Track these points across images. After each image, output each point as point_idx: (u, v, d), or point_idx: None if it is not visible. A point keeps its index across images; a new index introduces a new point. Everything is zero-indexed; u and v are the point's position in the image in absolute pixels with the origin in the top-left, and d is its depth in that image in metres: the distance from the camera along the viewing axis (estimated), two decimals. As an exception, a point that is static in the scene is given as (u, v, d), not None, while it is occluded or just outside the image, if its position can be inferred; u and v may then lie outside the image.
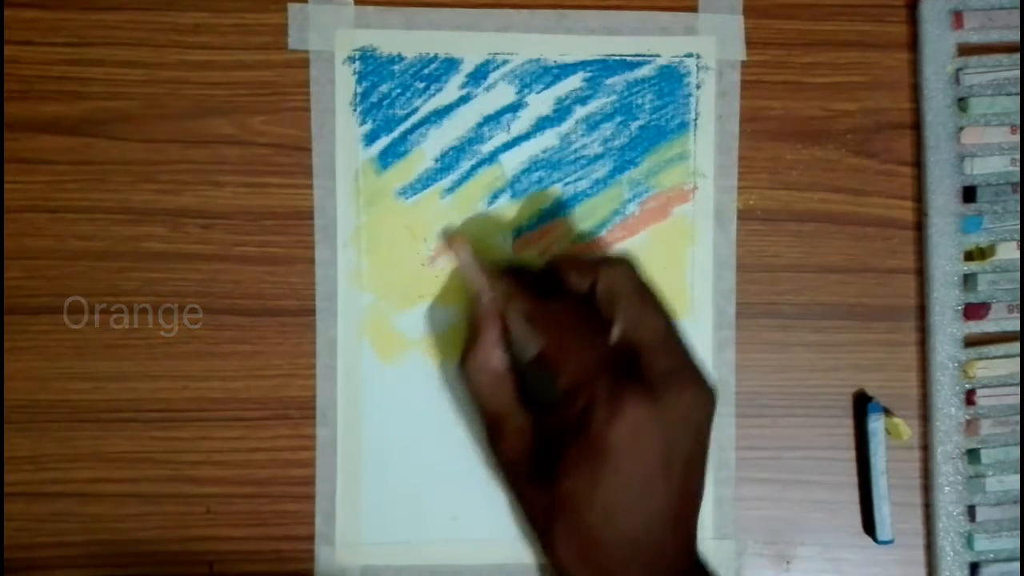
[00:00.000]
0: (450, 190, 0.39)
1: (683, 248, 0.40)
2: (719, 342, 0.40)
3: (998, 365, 0.39)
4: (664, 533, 0.30)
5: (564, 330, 0.31)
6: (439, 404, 0.39)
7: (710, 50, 0.39)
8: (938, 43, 0.39)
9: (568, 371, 0.30)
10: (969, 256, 0.40)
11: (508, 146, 0.39)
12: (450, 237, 0.38)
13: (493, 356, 0.34)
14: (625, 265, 0.32)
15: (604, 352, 0.30)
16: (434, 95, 0.39)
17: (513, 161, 0.39)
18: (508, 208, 0.39)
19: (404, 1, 0.39)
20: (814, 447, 0.40)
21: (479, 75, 0.39)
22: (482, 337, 0.34)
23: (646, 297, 0.31)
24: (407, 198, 0.39)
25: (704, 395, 0.30)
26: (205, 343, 0.39)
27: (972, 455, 0.39)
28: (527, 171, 0.39)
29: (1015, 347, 0.39)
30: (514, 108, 0.39)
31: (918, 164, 0.40)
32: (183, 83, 0.39)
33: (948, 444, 0.39)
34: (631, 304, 0.31)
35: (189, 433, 0.39)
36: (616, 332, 0.30)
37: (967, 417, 0.39)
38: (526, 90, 0.39)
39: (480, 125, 0.39)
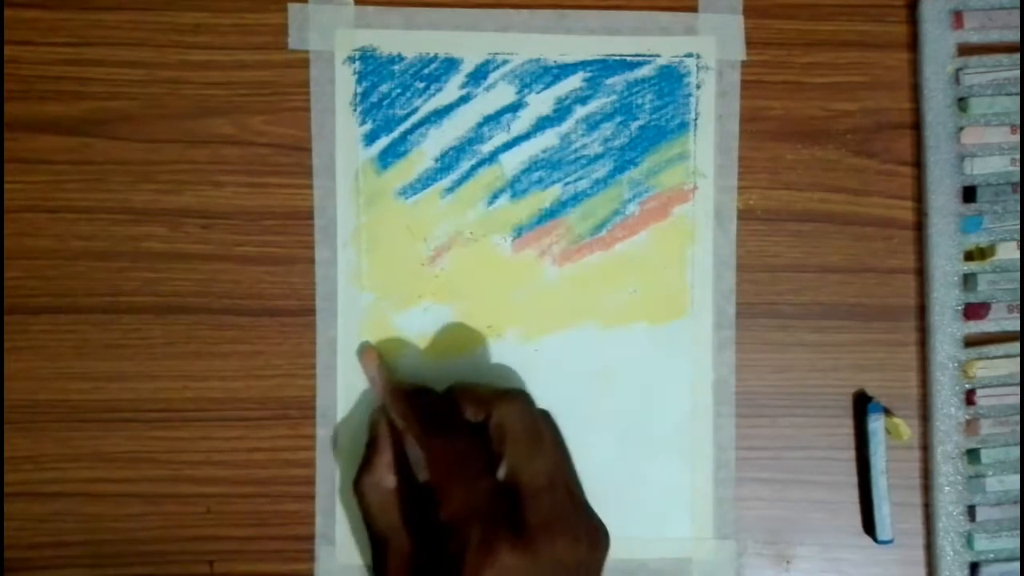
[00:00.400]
0: (450, 190, 0.39)
1: (683, 248, 0.40)
2: (719, 342, 0.40)
3: (998, 365, 0.39)
4: None
5: (450, 463, 0.31)
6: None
7: (710, 50, 0.39)
8: (938, 43, 0.39)
9: (448, 507, 0.30)
10: (969, 256, 0.40)
11: (508, 146, 0.39)
12: (363, 350, 0.38)
13: (385, 476, 0.34)
14: (519, 402, 0.32)
15: (485, 492, 0.30)
16: (434, 95, 0.39)
17: (513, 161, 0.39)
18: (508, 208, 0.39)
19: (404, 1, 0.39)
20: (814, 447, 0.40)
21: (479, 75, 0.39)
22: (377, 457, 0.34)
23: (535, 437, 0.32)
24: (407, 198, 0.39)
25: (581, 541, 0.30)
26: (205, 343, 0.39)
27: (972, 455, 0.39)
28: (527, 171, 0.39)
29: (1015, 347, 0.39)
30: (514, 108, 0.39)
31: (918, 164, 0.40)
32: (183, 83, 0.39)
33: (948, 444, 0.39)
34: (518, 443, 0.31)
35: (189, 433, 0.39)
36: (502, 471, 0.31)
37: (967, 417, 0.39)
38: (526, 90, 0.39)
39: (480, 125, 0.39)
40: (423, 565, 0.32)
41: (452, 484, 0.31)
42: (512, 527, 0.29)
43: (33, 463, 0.39)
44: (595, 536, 0.31)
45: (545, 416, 0.34)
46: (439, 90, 0.39)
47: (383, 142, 0.39)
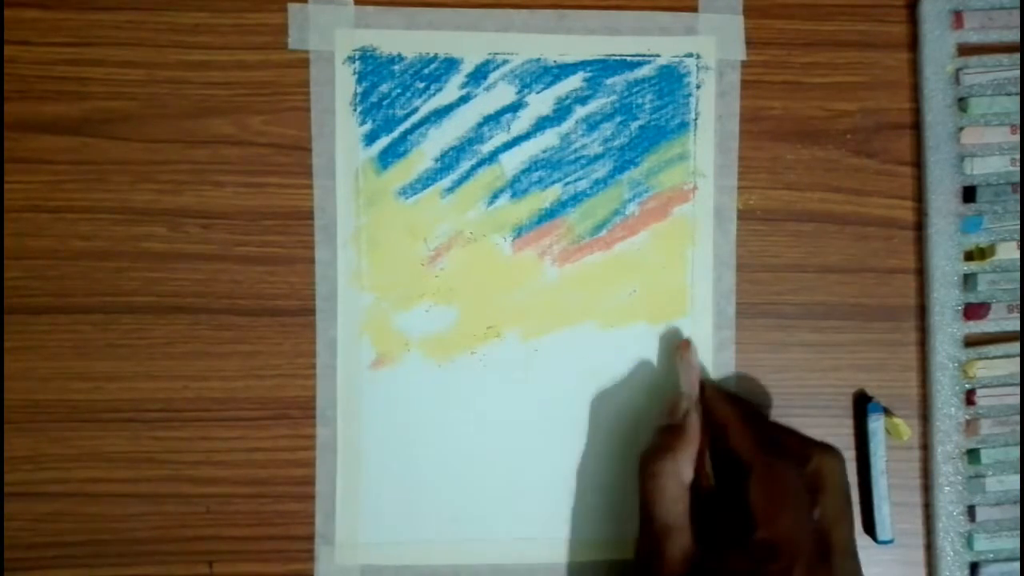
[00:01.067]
0: (450, 190, 0.39)
1: (683, 248, 0.40)
2: (719, 342, 0.40)
3: (998, 365, 0.39)
4: None
5: (780, 487, 0.31)
6: (439, 404, 0.39)
7: (710, 50, 0.39)
8: (938, 43, 0.39)
9: (774, 528, 0.30)
10: (969, 256, 0.40)
11: (508, 146, 0.39)
12: (685, 341, 0.38)
13: (686, 469, 0.33)
14: (840, 459, 0.33)
15: (809, 531, 0.30)
16: (434, 95, 0.39)
17: (513, 161, 0.39)
18: (508, 208, 0.39)
19: (404, 1, 0.39)
20: (814, 447, 0.40)
21: (479, 75, 0.39)
22: (682, 446, 0.34)
23: (848, 499, 0.32)
24: (407, 198, 0.39)
25: None
26: (205, 343, 0.39)
27: (972, 455, 0.39)
28: (527, 171, 0.39)
29: (1015, 347, 0.39)
30: (514, 108, 0.39)
31: (918, 164, 0.40)
32: (183, 83, 0.39)
33: (948, 444, 0.39)
34: (836, 499, 0.32)
35: (189, 433, 0.39)
36: (817, 515, 0.31)
37: (967, 417, 0.39)
38: (526, 90, 0.39)
39: (480, 125, 0.39)
40: (699, 567, 0.31)
41: (780, 510, 0.31)
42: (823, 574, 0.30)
43: (33, 463, 0.39)
44: None
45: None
46: (439, 90, 0.39)
47: (383, 142, 0.39)
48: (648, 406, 0.39)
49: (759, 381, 0.40)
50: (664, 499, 0.33)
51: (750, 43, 0.40)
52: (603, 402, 0.39)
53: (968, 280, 0.39)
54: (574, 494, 0.39)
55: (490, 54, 0.39)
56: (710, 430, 0.35)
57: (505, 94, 0.39)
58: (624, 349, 0.39)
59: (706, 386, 0.37)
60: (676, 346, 0.38)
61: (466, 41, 0.39)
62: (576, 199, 0.39)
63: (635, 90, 0.39)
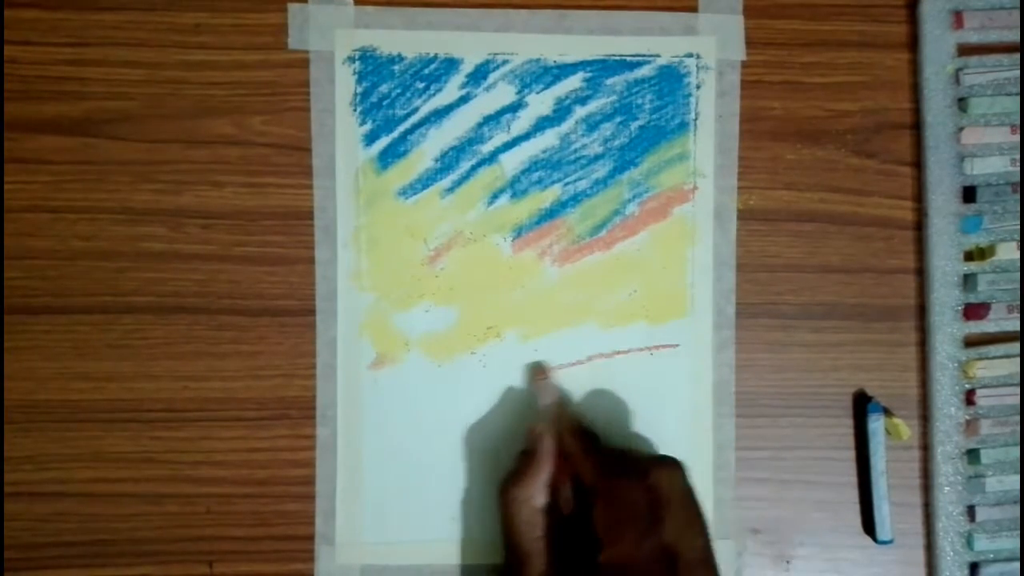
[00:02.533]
0: (450, 190, 0.39)
1: (683, 248, 0.40)
2: (719, 342, 0.40)
3: (998, 365, 0.39)
4: None
5: (622, 510, 0.32)
6: (439, 404, 0.39)
7: (710, 50, 0.39)
8: (938, 43, 0.39)
9: (614, 551, 0.31)
10: (969, 256, 0.40)
11: (508, 146, 0.39)
12: (542, 367, 0.39)
13: (538, 495, 0.34)
14: (680, 470, 0.33)
15: (651, 550, 0.30)
16: (434, 95, 0.39)
17: (513, 161, 0.39)
18: (508, 208, 0.39)
19: (404, 1, 0.39)
20: (814, 447, 0.40)
21: (479, 75, 0.39)
22: (534, 472, 0.34)
23: (695, 510, 0.32)
24: (407, 198, 0.39)
25: None
26: (205, 343, 0.39)
27: (972, 455, 0.39)
28: (527, 171, 0.39)
29: (1015, 347, 0.39)
30: (514, 108, 0.39)
31: (918, 164, 0.40)
32: (183, 83, 0.39)
33: (948, 444, 0.39)
34: (679, 512, 0.31)
35: (189, 433, 0.39)
36: (663, 533, 0.31)
37: (967, 417, 0.39)
38: (526, 90, 0.39)
39: (480, 125, 0.39)
40: None
41: (622, 530, 0.31)
42: None
43: (33, 463, 0.39)
44: None
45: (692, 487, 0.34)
46: (439, 90, 0.39)
47: (383, 142, 0.39)
48: (648, 406, 0.39)
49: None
50: (518, 525, 0.34)
51: (750, 43, 0.40)
52: (603, 402, 0.39)
53: (968, 280, 0.39)
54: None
55: (490, 54, 0.39)
56: (561, 455, 0.35)
57: (505, 94, 0.39)
58: (624, 349, 0.39)
59: (563, 416, 0.37)
60: (533, 371, 0.39)
61: (466, 41, 0.39)
62: (576, 199, 0.39)
63: (635, 90, 0.39)
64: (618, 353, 0.39)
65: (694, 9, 0.39)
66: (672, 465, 0.33)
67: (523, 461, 0.35)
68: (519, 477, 0.35)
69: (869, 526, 0.40)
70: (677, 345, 0.39)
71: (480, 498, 0.39)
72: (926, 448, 0.40)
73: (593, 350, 0.39)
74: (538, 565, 0.33)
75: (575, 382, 0.39)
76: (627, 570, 0.30)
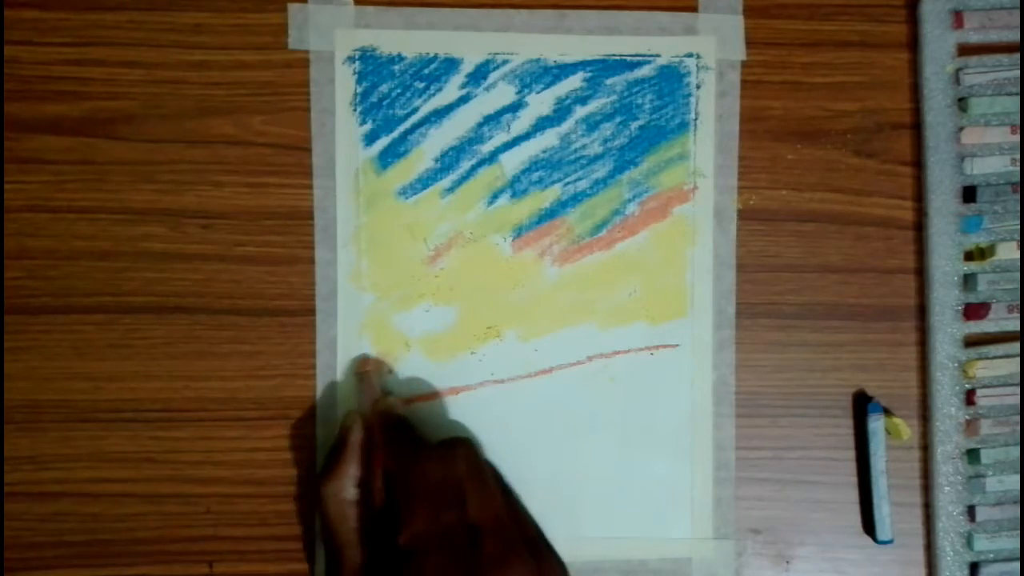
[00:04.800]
0: (450, 190, 0.39)
1: (683, 248, 0.40)
2: (719, 342, 0.40)
3: (998, 365, 0.39)
4: None
5: (418, 491, 0.32)
6: (438, 403, 0.39)
7: (710, 50, 0.39)
8: (938, 43, 0.39)
9: (408, 532, 0.31)
10: (969, 256, 0.40)
11: (508, 146, 0.39)
12: (363, 358, 0.39)
13: (348, 487, 0.34)
14: (465, 443, 0.33)
15: (447, 526, 0.31)
16: (434, 95, 0.39)
17: (513, 161, 0.39)
18: (508, 208, 0.39)
19: (404, 1, 0.39)
20: (814, 447, 0.40)
21: (479, 75, 0.39)
22: (343, 465, 0.35)
23: (485, 482, 0.33)
24: (407, 198, 0.39)
25: (533, 570, 0.31)
26: (205, 343, 0.39)
27: (972, 455, 0.39)
28: (527, 171, 0.39)
29: (1015, 347, 0.39)
30: (514, 108, 0.39)
31: (918, 164, 0.40)
32: (183, 83, 0.39)
33: (948, 444, 0.39)
34: (472, 487, 0.32)
35: (189, 433, 0.39)
36: (465, 508, 0.31)
37: (967, 417, 0.39)
38: (526, 90, 0.39)
39: (480, 125, 0.39)
40: None
41: (416, 510, 0.31)
42: (468, 562, 0.30)
43: (33, 463, 0.39)
44: (552, 572, 0.32)
45: (487, 462, 0.35)
46: (439, 90, 0.39)
47: (383, 142, 0.39)
48: (648, 406, 0.39)
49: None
50: (330, 519, 0.34)
51: (750, 43, 0.40)
52: (602, 402, 0.39)
53: (968, 280, 0.39)
54: (575, 492, 0.39)
55: (490, 54, 0.39)
56: (370, 445, 0.35)
57: (505, 94, 0.39)
58: (624, 349, 0.39)
59: (374, 406, 0.37)
60: (357, 363, 0.39)
61: (466, 41, 0.39)
62: (576, 199, 0.39)
63: (635, 90, 0.39)
64: (618, 353, 0.39)
65: (694, 9, 0.39)
66: (462, 444, 0.33)
67: (332, 455, 0.35)
68: (329, 472, 0.35)
69: (869, 526, 0.40)
70: (677, 345, 0.39)
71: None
72: (926, 448, 0.40)
73: (593, 350, 0.39)
74: (354, 556, 0.33)
75: (574, 382, 0.39)
76: (424, 547, 0.30)
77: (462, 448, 0.33)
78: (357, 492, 0.34)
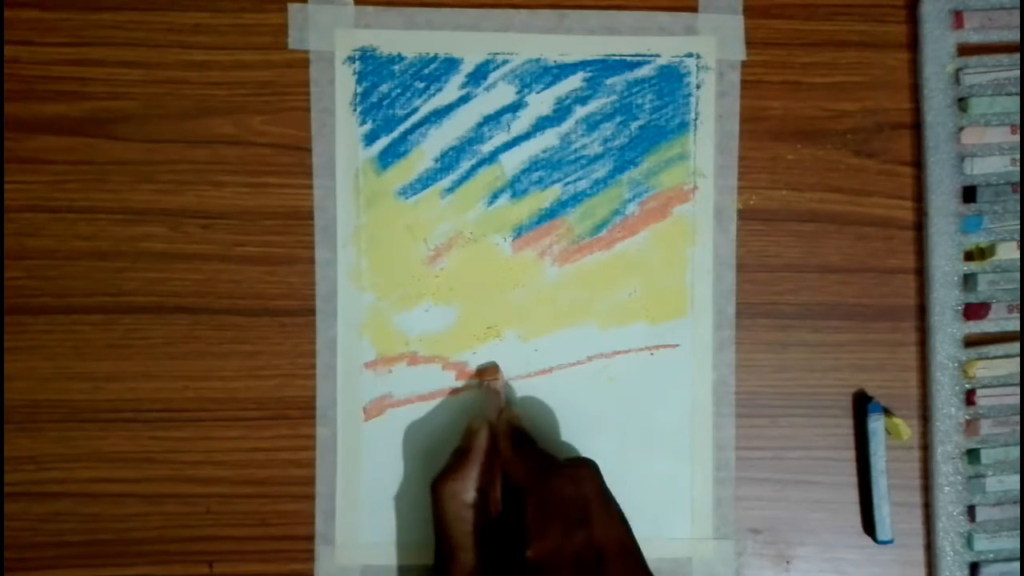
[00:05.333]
0: (450, 190, 0.39)
1: (683, 248, 0.40)
2: (719, 342, 0.40)
3: (998, 365, 0.39)
4: None
5: (549, 507, 0.32)
6: (439, 404, 0.39)
7: (710, 50, 0.39)
8: (938, 43, 0.39)
9: (539, 547, 0.31)
10: (969, 256, 0.40)
11: (508, 146, 0.39)
12: (490, 366, 0.39)
13: (468, 489, 0.34)
14: (590, 465, 0.33)
15: (577, 545, 0.31)
16: (434, 95, 0.39)
17: (513, 161, 0.39)
18: (508, 208, 0.39)
19: (404, 1, 0.39)
20: (814, 447, 0.40)
21: (479, 75, 0.39)
22: (465, 468, 0.35)
23: (611, 506, 0.33)
24: (407, 198, 0.39)
25: None
26: (205, 343, 0.39)
27: (972, 455, 0.39)
28: (527, 171, 0.39)
29: (1015, 347, 0.39)
30: (514, 108, 0.39)
31: (918, 164, 0.40)
32: (183, 83, 0.39)
33: (948, 444, 0.39)
34: (599, 510, 0.32)
35: (189, 433, 0.39)
36: (589, 529, 0.31)
37: (967, 417, 0.39)
38: (526, 90, 0.39)
39: (480, 125, 0.39)
40: None
41: (548, 527, 0.31)
42: None
43: (33, 463, 0.39)
44: None
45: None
46: (439, 90, 0.39)
47: (383, 142, 0.39)
48: (648, 406, 0.39)
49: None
50: (447, 519, 0.34)
51: (750, 43, 0.40)
52: (603, 402, 0.39)
53: (968, 280, 0.39)
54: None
55: (490, 54, 0.39)
56: (495, 452, 0.36)
57: (505, 94, 0.39)
58: (624, 349, 0.39)
59: (501, 417, 0.37)
60: (481, 371, 0.39)
61: (466, 41, 0.39)
62: (576, 199, 0.39)
63: (635, 90, 0.39)
64: (618, 353, 0.39)
65: (694, 9, 0.39)
66: (589, 465, 0.33)
67: (455, 457, 0.36)
68: (451, 472, 0.35)
69: (869, 526, 0.40)
70: (677, 345, 0.39)
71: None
72: (926, 448, 0.40)
73: (593, 350, 0.39)
74: (467, 559, 0.33)
75: (575, 382, 0.39)
76: (554, 564, 0.30)
77: (590, 469, 0.33)
78: (476, 497, 0.34)
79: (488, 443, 0.36)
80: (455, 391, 0.39)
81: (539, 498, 0.32)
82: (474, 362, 0.39)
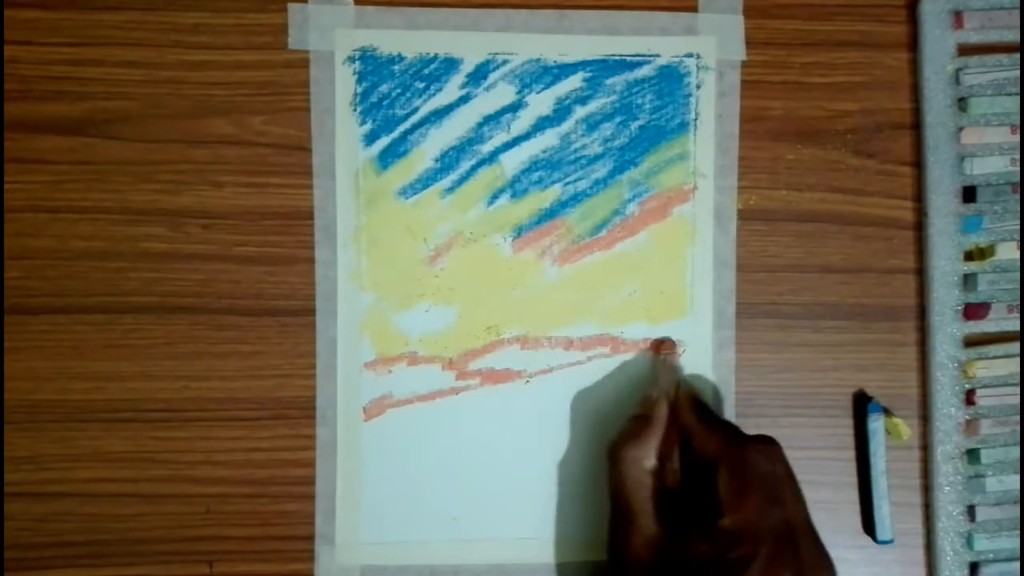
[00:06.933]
0: (450, 190, 0.39)
1: (683, 248, 0.40)
2: (719, 342, 0.40)
3: (998, 365, 0.39)
4: None
5: (747, 477, 0.32)
6: (439, 404, 0.39)
7: (710, 50, 0.39)
8: (938, 43, 0.39)
9: (739, 515, 0.31)
10: (969, 256, 0.40)
11: (508, 146, 0.39)
12: (667, 341, 0.39)
13: (650, 456, 0.34)
14: (778, 445, 0.34)
15: (775, 518, 0.31)
16: (434, 95, 0.39)
17: (513, 161, 0.39)
18: (508, 208, 0.39)
19: (404, 1, 0.39)
20: (814, 447, 0.40)
21: (479, 75, 0.39)
22: (647, 435, 0.35)
23: (797, 486, 0.33)
24: (407, 198, 0.39)
25: None
26: (205, 343, 0.39)
27: (972, 455, 0.39)
28: (527, 171, 0.39)
29: (1015, 347, 0.39)
30: (514, 108, 0.39)
31: (918, 164, 0.40)
32: (183, 83, 0.39)
33: (948, 444, 0.39)
34: (789, 487, 0.33)
35: (189, 433, 0.39)
36: (784, 505, 0.32)
37: (967, 417, 0.39)
38: (526, 90, 0.39)
39: (480, 125, 0.39)
40: (665, 551, 0.32)
41: (745, 498, 0.31)
42: (793, 559, 0.30)
43: (33, 463, 0.39)
44: None
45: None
46: (439, 90, 0.39)
47: (383, 142, 0.39)
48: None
49: (755, 380, 0.40)
50: (627, 484, 0.34)
51: (750, 43, 0.40)
52: (602, 402, 0.39)
53: (968, 280, 0.39)
54: (575, 495, 0.39)
55: (490, 54, 0.39)
56: (679, 430, 0.36)
57: (505, 94, 0.39)
58: (624, 350, 0.39)
59: (680, 390, 0.37)
60: (658, 343, 0.39)
61: (466, 41, 0.39)
62: (576, 199, 0.39)
63: (635, 90, 0.39)
64: (618, 353, 0.39)
65: (694, 9, 0.39)
66: (775, 443, 0.34)
67: (636, 424, 0.35)
68: (631, 438, 0.35)
69: (869, 526, 0.40)
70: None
71: (480, 497, 0.39)
72: (926, 448, 0.40)
73: (593, 350, 0.39)
74: (647, 525, 0.33)
75: (575, 382, 0.39)
76: (745, 536, 0.31)
77: (778, 448, 0.33)
78: (656, 464, 0.34)
79: (668, 413, 0.36)
80: (454, 390, 0.39)
81: (734, 469, 0.32)
82: (477, 364, 0.39)
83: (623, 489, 0.34)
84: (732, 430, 0.35)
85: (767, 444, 0.33)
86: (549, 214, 0.39)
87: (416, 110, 0.39)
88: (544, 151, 0.39)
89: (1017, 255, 0.39)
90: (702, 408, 0.36)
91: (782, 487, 0.32)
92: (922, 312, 0.40)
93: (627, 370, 0.39)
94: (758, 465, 0.32)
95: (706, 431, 0.35)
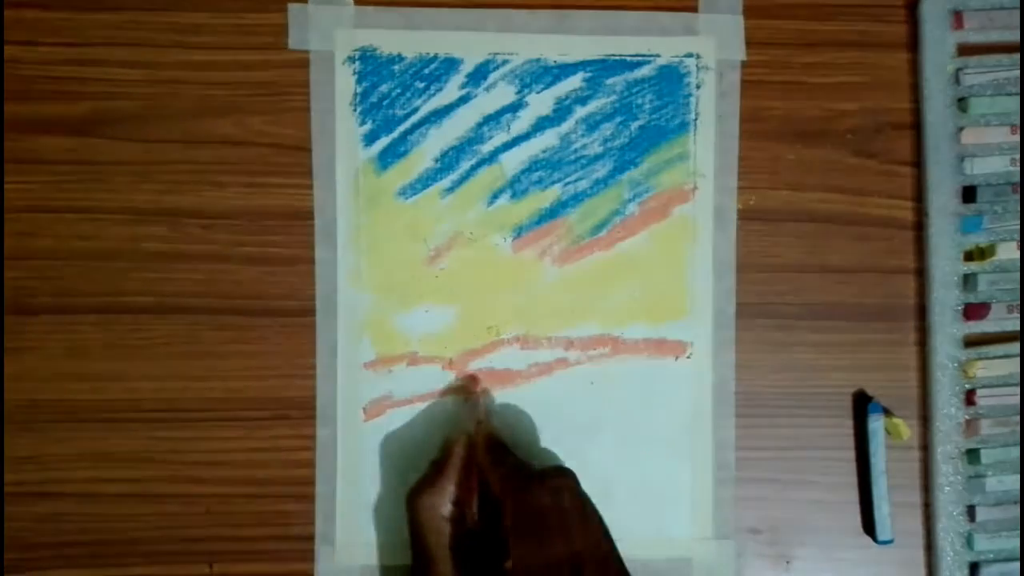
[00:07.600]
0: (450, 190, 0.39)
1: (683, 248, 0.40)
2: (719, 342, 0.40)
3: (998, 365, 0.39)
4: None
5: (528, 519, 0.32)
6: (439, 404, 0.39)
7: (710, 50, 0.39)
8: (938, 43, 0.39)
9: (520, 555, 0.31)
10: (969, 256, 0.40)
11: (508, 146, 0.39)
12: (472, 378, 0.39)
13: (445, 502, 0.35)
14: (569, 475, 0.33)
15: (556, 556, 0.31)
16: (434, 95, 0.39)
17: (513, 161, 0.39)
18: (508, 208, 0.39)
19: (404, 1, 0.39)
20: (814, 447, 0.40)
21: (479, 75, 0.39)
22: (442, 481, 0.35)
23: (590, 515, 0.33)
24: (407, 198, 0.39)
25: None
26: (205, 343, 0.39)
27: (972, 455, 0.39)
28: (527, 171, 0.39)
29: (1015, 347, 0.39)
30: (514, 108, 0.39)
31: (918, 164, 0.40)
32: (183, 83, 0.39)
33: (948, 444, 0.39)
34: (577, 519, 0.32)
35: (189, 433, 0.39)
36: (570, 539, 0.32)
37: (967, 417, 0.39)
38: (526, 90, 0.39)
39: (480, 125, 0.39)
40: None
41: (526, 537, 0.31)
42: None
43: (33, 463, 0.39)
44: None
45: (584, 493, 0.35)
46: (439, 90, 0.39)
47: (383, 142, 0.39)
48: (648, 407, 0.39)
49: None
50: (424, 532, 0.34)
51: (750, 43, 0.40)
52: (603, 403, 0.39)
53: (968, 280, 0.39)
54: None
55: (490, 54, 0.39)
56: (472, 465, 0.36)
57: (505, 94, 0.39)
58: (624, 349, 0.39)
59: (478, 427, 0.37)
60: (464, 385, 0.39)
61: (466, 41, 0.39)
62: (576, 199, 0.39)
63: (635, 90, 0.39)
64: (618, 353, 0.39)
65: (694, 9, 0.39)
66: (566, 474, 0.33)
67: (433, 469, 0.36)
68: (428, 485, 0.35)
69: (869, 526, 0.40)
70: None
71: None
72: (926, 448, 0.40)
73: (593, 350, 0.39)
74: (445, 571, 0.33)
75: (575, 382, 0.39)
76: (533, 574, 0.31)
77: (567, 479, 0.33)
78: (453, 509, 0.35)
79: (466, 455, 0.36)
80: (445, 392, 0.39)
81: (517, 509, 0.32)
82: (477, 364, 0.39)
83: (421, 537, 0.34)
84: (519, 468, 0.34)
85: (555, 478, 0.33)
86: (549, 214, 0.39)
87: (416, 110, 0.39)
88: (544, 151, 0.39)
89: (1017, 255, 0.39)
90: (496, 448, 0.36)
91: (568, 520, 0.32)
92: (922, 312, 0.40)
93: (629, 370, 0.39)
94: (539, 501, 0.32)
95: (492, 471, 0.35)
